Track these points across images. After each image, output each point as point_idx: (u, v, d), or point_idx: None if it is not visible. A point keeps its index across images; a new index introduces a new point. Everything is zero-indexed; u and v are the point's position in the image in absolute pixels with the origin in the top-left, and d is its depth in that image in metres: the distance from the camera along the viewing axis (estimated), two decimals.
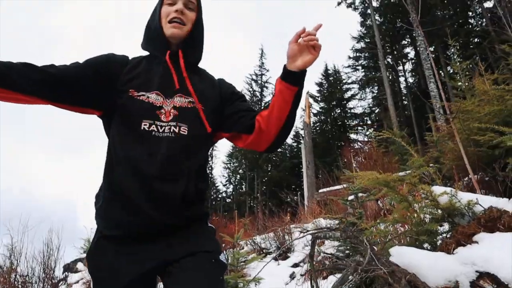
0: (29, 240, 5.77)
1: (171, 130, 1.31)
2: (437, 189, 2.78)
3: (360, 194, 4.73)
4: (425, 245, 2.85)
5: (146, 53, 1.51)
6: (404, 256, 2.44)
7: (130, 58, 1.48)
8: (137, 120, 1.31)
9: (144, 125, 1.30)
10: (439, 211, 2.79)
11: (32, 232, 5.94)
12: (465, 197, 2.68)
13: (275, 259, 6.16)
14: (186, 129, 1.33)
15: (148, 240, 1.26)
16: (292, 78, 1.33)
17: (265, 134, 1.40)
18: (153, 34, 1.46)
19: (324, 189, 11.40)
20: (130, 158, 1.27)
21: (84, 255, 8.55)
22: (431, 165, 4.90)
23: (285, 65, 1.35)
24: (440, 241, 2.80)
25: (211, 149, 1.89)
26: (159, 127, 1.30)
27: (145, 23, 1.52)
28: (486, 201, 2.65)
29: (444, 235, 2.86)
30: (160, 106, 1.33)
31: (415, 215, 2.95)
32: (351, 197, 4.99)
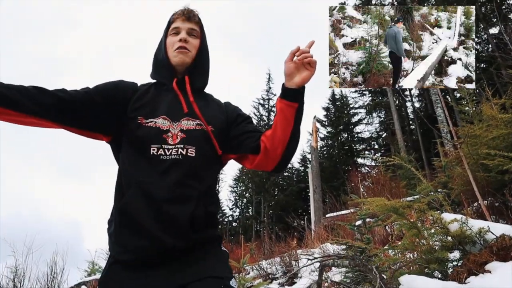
0: (33, 261, 5.74)
1: (179, 153, 1.32)
2: (447, 216, 2.73)
3: (367, 219, 4.66)
4: (435, 273, 2.77)
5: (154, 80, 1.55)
6: (414, 285, 2.37)
7: (138, 85, 1.52)
8: (146, 145, 1.33)
9: (153, 150, 1.32)
10: (449, 238, 2.72)
11: (38, 254, 5.92)
12: (476, 224, 2.62)
13: (282, 285, 6.03)
14: (194, 151, 1.34)
15: (157, 264, 1.25)
16: (292, 95, 1.35)
17: (271, 153, 1.40)
18: (160, 63, 1.51)
19: (331, 214, 11.29)
20: (139, 182, 1.29)
21: (88, 278, 8.48)
22: (439, 190, 4.83)
23: (283, 84, 1.37)
24: (451, 270, 2.72)
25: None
26: (166, 150, 1.32)
27: (152, 54, 1.57)
28: (497, 228, 2.59)
29: (455, 263, 2.78)
30: (167, 129, 1.35)
31: (424, 241, 2.89)
32: (358, 222, 4.91)
